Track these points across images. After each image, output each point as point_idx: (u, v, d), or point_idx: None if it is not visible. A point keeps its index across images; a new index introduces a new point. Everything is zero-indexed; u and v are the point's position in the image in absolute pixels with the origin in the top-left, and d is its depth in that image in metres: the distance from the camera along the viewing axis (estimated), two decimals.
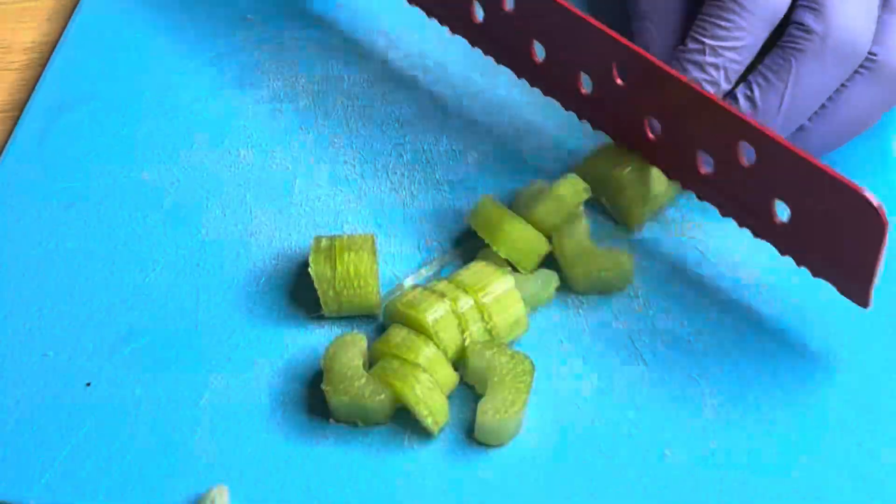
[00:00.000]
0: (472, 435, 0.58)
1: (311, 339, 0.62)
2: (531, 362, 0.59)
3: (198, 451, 0.58)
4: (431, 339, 0.59)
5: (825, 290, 0.62)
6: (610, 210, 0.66)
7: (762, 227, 0.61)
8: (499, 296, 0.60)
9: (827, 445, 0.58)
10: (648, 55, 0.61)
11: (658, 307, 0.62)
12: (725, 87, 0.63)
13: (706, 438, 0.58)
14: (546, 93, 0.68)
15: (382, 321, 0.62)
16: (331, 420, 0.59)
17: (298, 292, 0.63)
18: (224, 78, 0.73)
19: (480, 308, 0.60)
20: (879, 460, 0.58)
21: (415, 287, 0.61)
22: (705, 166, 0.62)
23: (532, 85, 0.69)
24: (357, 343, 0.59)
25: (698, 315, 0.62)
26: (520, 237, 0.62)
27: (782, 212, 0.60)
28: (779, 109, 0.63)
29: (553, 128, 0.69)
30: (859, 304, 0.59)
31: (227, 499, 0.56)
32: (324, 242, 0.62)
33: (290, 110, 0.71)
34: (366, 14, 0.76)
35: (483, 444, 0.58)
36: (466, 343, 0.59)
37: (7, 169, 0.69)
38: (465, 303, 0.60)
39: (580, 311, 0.62)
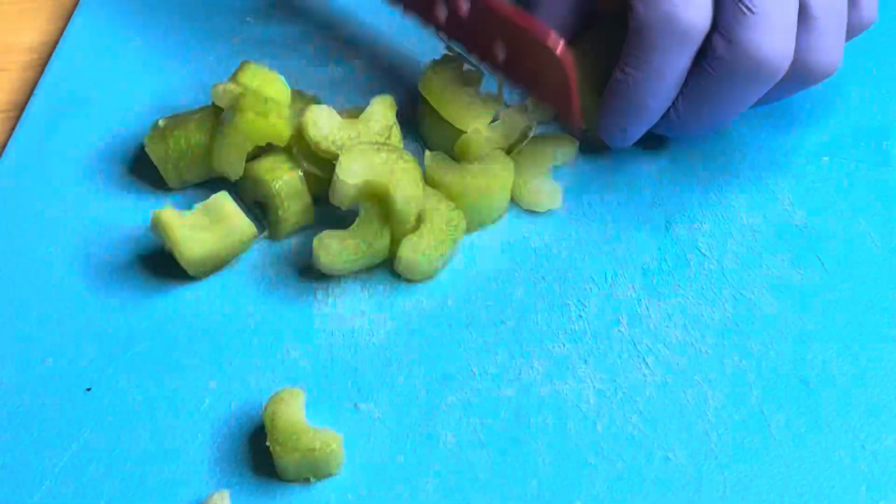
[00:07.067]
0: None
1: (314, 342, 0.62)
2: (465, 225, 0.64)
3: (199, 457, 0.58)
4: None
5: (827, 294, 0.62)
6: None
7: (491, 63, 0.66)
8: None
9: (829, 447, 0.58)
10: None
11: (660, 310, 0.62)
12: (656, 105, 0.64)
13: (709, 441, 0.58)
14: None
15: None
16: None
17: (300, 295, 0.63)
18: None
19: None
20: (881, 462, 0.58)
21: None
22: (441, 14, 0.66)
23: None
24: (295, 396, 0.58)
25: (700, 318, 0.62)
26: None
27: (502, 51, 0.65)
28: (700, 120, 0.64)
29: None
30: (576, 137, 0.67)
31: None
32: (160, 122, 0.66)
33: None
34: (366, 16, 0.75)
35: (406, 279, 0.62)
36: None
37: (6, 171, 0.69)
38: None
39: (582, 314, 0.62)
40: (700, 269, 0.64)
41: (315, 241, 0.62)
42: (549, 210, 0.66)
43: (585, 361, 0.61)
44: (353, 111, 0.66)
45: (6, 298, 0.63)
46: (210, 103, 0.66)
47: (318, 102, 0.69)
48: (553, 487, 0.57)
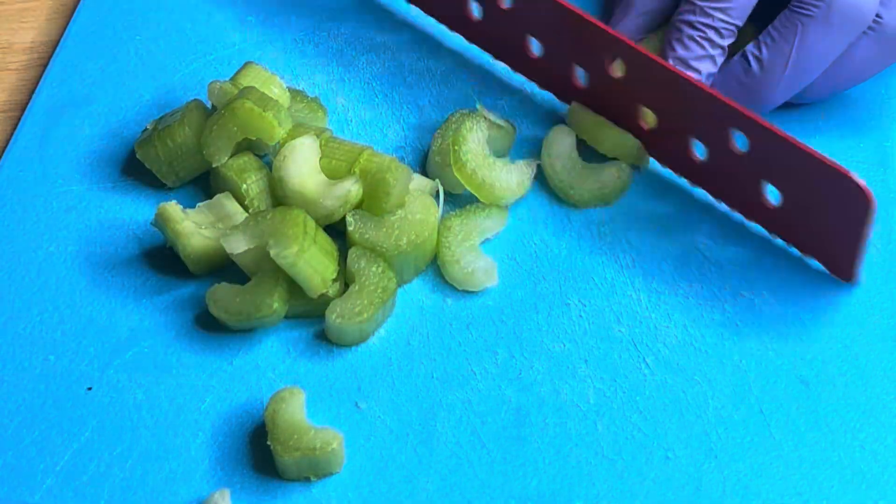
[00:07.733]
0: None
1: (314, 341, 0.62)
2: (395, 284, 0.62)
3: (199, 456, 0.58)
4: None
5: (827, 294, 0.62)
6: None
7: (753, 209, 0.63)
8: None
9: (828, 447, 0.58)
10: (642, 49, 0.63)
11: (660, 310, 0.62)
12: (720, 42, 0.64)
13: (709, 440, 0.58)
14: (542, 87, 0.70)
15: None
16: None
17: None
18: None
19: None
20: (881, 462, 0.58)
21: None
22: (698, 154, 0.64)
23: (529, 79, 0.70)
24: (296, 395, 0.58)
25: (700, 318, 0.62)
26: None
27: (772, 194, 0.62)
28: (784, 68, 0.64)
29: None
30: (846, 280, 0.62)
31: (230, 503, 0.56)
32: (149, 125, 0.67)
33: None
34: (365, 17, 0.75)
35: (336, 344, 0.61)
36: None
37: (7, 170, 0.69)
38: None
39: (582, 314, 0.62)
40: (700, 269, 0.64)
41: (207, 293, 0.62)
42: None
43: (585, 361, 0.61)
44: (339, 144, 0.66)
45: (6, 298, 0.63)
46: (193, 100, 0.67)
47: (319, 104, 0.69)
48: (553, 487, 0.57)
